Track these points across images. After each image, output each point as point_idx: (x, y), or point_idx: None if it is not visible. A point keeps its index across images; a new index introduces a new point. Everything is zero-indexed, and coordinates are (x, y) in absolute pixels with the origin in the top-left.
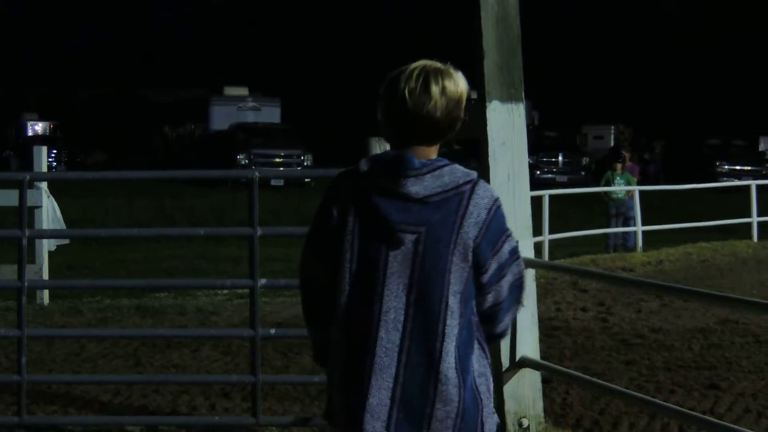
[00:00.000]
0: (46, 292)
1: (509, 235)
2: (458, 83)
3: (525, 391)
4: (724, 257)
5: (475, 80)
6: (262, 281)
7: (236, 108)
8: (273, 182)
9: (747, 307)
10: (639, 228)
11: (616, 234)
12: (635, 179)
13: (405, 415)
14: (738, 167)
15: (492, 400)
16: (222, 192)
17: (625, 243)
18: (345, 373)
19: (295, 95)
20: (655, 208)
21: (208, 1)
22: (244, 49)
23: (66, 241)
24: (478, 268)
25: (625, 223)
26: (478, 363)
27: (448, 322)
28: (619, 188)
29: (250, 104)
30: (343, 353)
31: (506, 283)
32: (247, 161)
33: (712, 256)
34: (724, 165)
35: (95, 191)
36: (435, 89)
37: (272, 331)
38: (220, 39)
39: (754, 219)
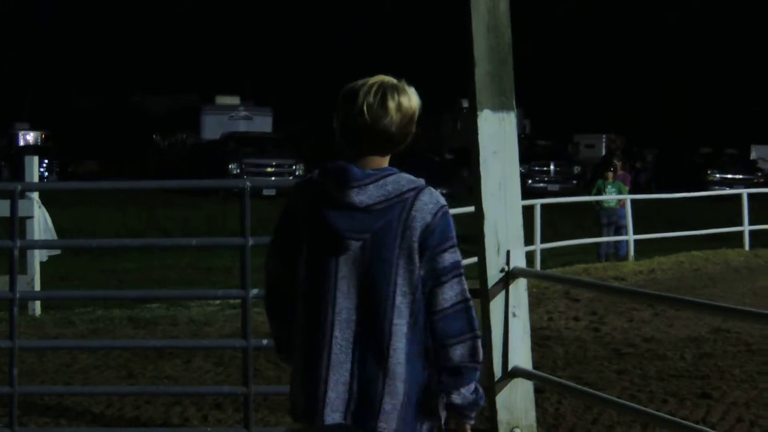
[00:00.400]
0: (37, 303)
1: (453, 245)
2: (412, 100)
3: (517, 401)
4: (716, 266)
5: (467, 89)
6: (254, 291)
7: (228, 117)
8: (265, 192)
9: (739, 315)
10: (631, 237)
11: (608, 243)
12: (627, 188)
13: (360, 407)
14: (729, 176)
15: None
16: (214, 201)
17: (617, 252)
18: (305, 369)
19: (287, 104)
20: (646, 216)
21: (200, 10)
22: (236, 57)
23: (57, 252)
24: (420, 265)
25: (617, 232)
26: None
27: (395, 321)
28: (610, 197)
29: (242, 113)
30: (303, 351)
31: (447, 295)
32: (238, 171)
33: (704, 264)
34: (716, 174)
35: (87, 201)
36: (392, 105)
37: (264, 341)
38: (212, 47)
39: (746, 227)
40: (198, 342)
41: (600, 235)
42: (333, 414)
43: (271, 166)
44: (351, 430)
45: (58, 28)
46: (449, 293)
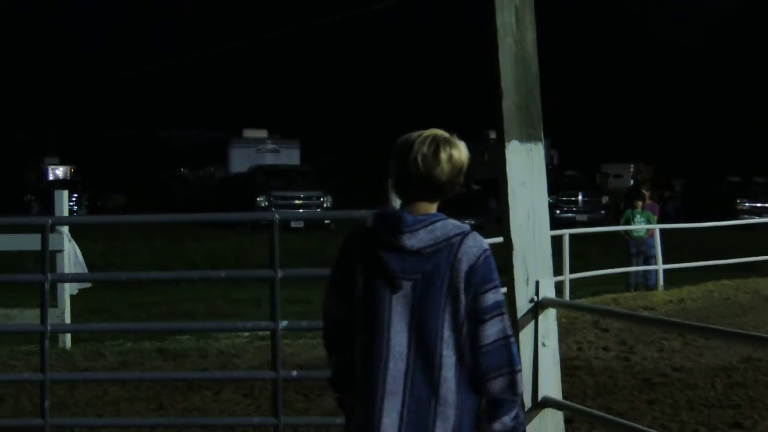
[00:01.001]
0: (68, 336)
1: (496, 286)
2: (462, 153)
3: None
4: (746, 295)
5: (494, 120)
6: (284, 323)
7: (255, 150)
8: (293, 224)
9: None
10: (660, 266)
11: (637, 273)
12: (655, 218)
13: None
14: (759, 204)
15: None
16: (242, 234)
17: (646, 282)
18: (362, 397)
19: (315, 137)
20: (675, 246)
21: (228, 45)
22: (263, 91)
23: (88, 285)
24: (464, 303)
25: (646, 262)
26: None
27: (444, 353)
28: (639, 227)
29: (269, 146)
30: (361, 382)
31: (489, 332)
32: (266, 203)
33: (734, 293)
34: (745, 202)
35: (116, 235)
36: (443, 156)
37: (294, 373)
38: (239, 81)
39: None
40: (227, 374)
41: (629, 265)
42: None
43: (299, 199)
44: None
45: (87, 62)
46: (491, 330)
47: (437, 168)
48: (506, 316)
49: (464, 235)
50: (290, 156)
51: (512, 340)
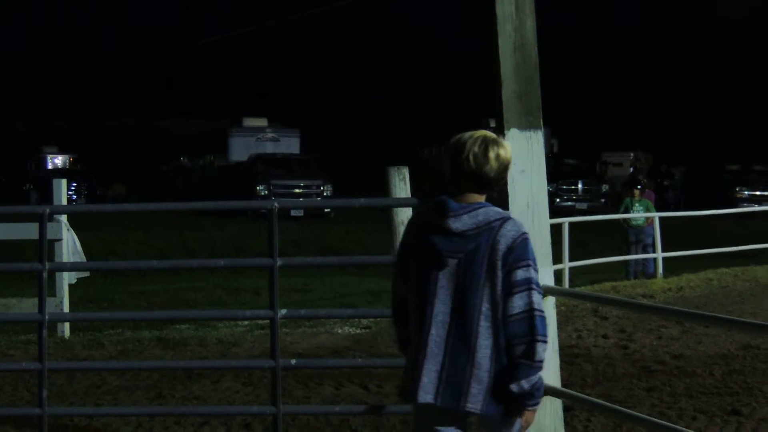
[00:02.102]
0: (66, 325)
1: (528, 265)
2: (507, 152)
3: (546, 420)
4: (745, 283)
5: (494, 108)
6: (283, 312)
7: (255, 139)
8: (293, 213)
9: None
10: (659, 254)
11: (636, 261)
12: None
13: (449, 391)
14: (758, 192)
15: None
16: (242, 223)
17: (645, 270)
18: (412, 359)
19: (315, 126)
20: (675, 234)
21: (226, 33)
22: (263, 79)
23: (86, 274)
24: (501, 279)
25: (645, 250)
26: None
27: (481, 323)
28: (638, 215)
29: (269, 135)
30: (412, 346)
31: (515, 304)
32: (266, 192)
33: (732, 281)
34: (744, 191)
35: (115, 224)
36: (492, 155)
37: (293, 361)
38: (239, 70)
39: None
40: (227, 362)
41: (628, 253)
42: (425, 395)
43: (299, 187)
44: (437, 409)
45: (87, 51)
46: (518, 302)
47: (486, 165)
48: (535, 292)
49: (504, 220)
50: (290, 145)
51: (537, 312)
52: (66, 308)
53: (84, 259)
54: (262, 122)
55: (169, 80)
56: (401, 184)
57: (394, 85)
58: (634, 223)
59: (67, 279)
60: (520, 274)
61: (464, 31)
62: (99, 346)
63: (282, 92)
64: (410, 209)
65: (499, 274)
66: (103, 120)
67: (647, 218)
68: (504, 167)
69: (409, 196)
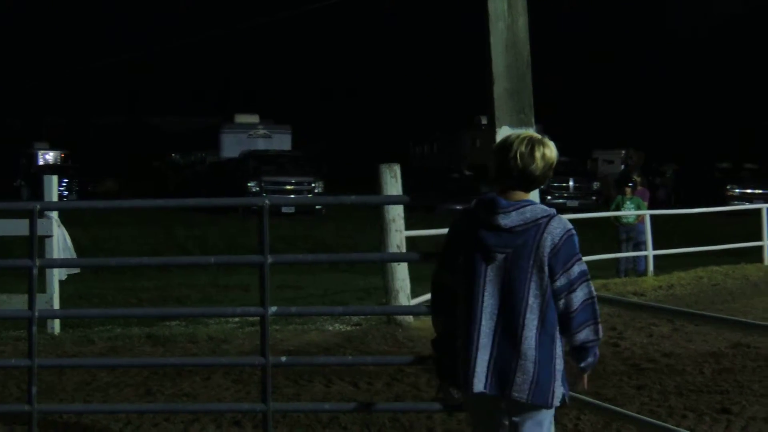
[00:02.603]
0: (56, 322)
1: (579, 259)
2: (553, 151)
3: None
4: (736, 281)
5: (486, 106)
6: (273, 309)
7: (247, 135)
8: (284, 209)
9: (759, 330)
10: (650, 252)
11: (627, 258)
12: (646, 204)
13: (497, 380)
14: (749, 191)
15: (561, 376)
16: (233, 220)
17: (636, 267)
18: (464, 350)
19: (306, 122)
20: (665, 232)
21: (219, 30)
22: (255, 76)
23: (77, 271)
24: (551, 277)
25: (636, 248)
26: (558, 348)
27: (528, 315)
28: (629, 213)
29: (261, 132)
30: (463, 337)
31: (578, 297)
32: (257, 189)
33: (723, 279)
34: (735, 188)
35: (106, 220)
36: (538, 154)
37: (283, 358)
38: (232, 67)
39: (766, 242)
40: (217, 359)
41: (619, 251)
42: (478, 384)
43: (291, 184)
44: (489, 398)
45: (79, 49)
46: (580, 294)
47: (533, 164)
48: (590, 281)
49: (550, 217)
50: (282, 141)
51: (596, 299)
52: (56, 305)
53: (74, 256)
54: (253, 119)
55: (161, 77)
56: (392, 182)
57: (386, 82)
58: (625, 220)
59: (57, 275)
60: (576, 269)
61: (457, 28)
62: (89, 342)
63: (274, 89)
64: (401, 206)
65: (546, 269)
66: (96, 116)
67: (638, 216)
68: (549, 166)
69: (401, 193)
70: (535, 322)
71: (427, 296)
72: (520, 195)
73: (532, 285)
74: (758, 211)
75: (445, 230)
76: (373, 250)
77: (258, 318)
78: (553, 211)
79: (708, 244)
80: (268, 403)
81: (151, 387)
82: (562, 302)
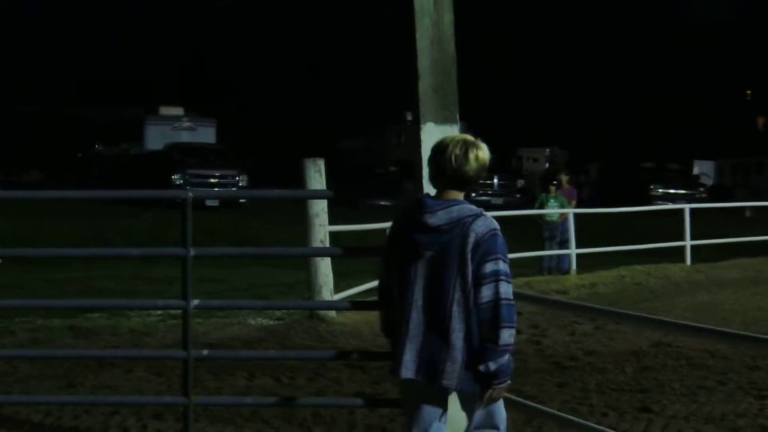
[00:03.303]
0: None
1: (496, 258)
2: (486, 153)
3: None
4: (658, 280)
5: (411, 102)
6: (195, 302)
7: (171, 128)
8: (208, 203)
9: (680, 330)
10: (573, 251)
11: (550, 257)
12: (574, 202)
13: (427, 368)
14: (672, 190)
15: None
16: (157, 212)
17: (559, 265)
18: (397, 340)
19: (231, 115)
20: (589, 230)
21: (146, 19)
22: (180, 68)
23: None
24: (467, 270)
25: (560, 246)
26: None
27: (454, 308)
28: (553, 211)
29: (186, 124)
30: (397, 327)
31: (483, 295)
32: (181, 181)
33: (645, 279)
34: (659, 188)
35: (29, 211)
36: (471, 156)
37: (205, 352)
38: (156, 58)
39: (688, 242)
40: (139, 352)
41: (542, 249)
42: (407, 372)
43: (215, 177)
44: (418, 384)
45: (2, 37)
46: (486, 292)
47: (466, 165)
48: (503, 282)
49: (476, 216)
50: (206, 134)
51: (504, 301)
52: None
53: None
54: (178, 111)
55: (85, 66)
56: (317, 176)
57: (312, 76)
58: (548, 218)
59: None
60: (489, 267)
61: (384, 23)
62: (10, 333)
63: (198, 81)
64: (325, 201)
65: (470, 264)
66: (18, 105)
67: (562, 214)
68: (482, 167)
69: (325, 188)
70: (462, 315)
71: (350, 291)
72: (455, 194)
73: (458, 280)
74: (681, 211)
75: (368, 225)
76: (297, 245)
77: (180, 311)
78: (479, 210)
79: (631, 244)
80: (189, 397)
81: (72, 379)
82: (475, 294)
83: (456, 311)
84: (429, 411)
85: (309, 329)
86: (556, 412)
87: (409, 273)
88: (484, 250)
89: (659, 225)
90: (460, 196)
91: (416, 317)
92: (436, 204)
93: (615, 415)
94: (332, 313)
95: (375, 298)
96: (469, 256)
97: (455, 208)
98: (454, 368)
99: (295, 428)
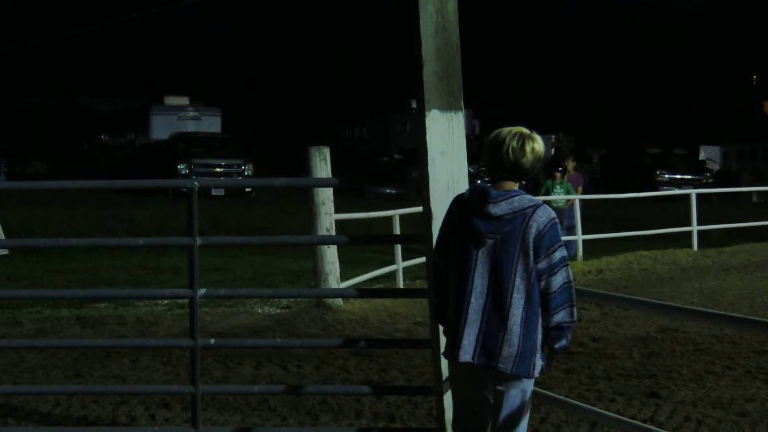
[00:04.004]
0: None
1: (561, 246)
2: (541, 145)
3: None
4: (665, 266)
5: (415, 89)
6: (202, 291)
7: (177, 117)
8: (213, 192)
9: (687, 315)
10: (579, 237)
11: None
12: (580, 188)
13: (484, 352)
14: (678, 176)
15: (541, 350)
16: (163, 202)
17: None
18: (453, 324)
19: (236, 105)
20: (595, 217)
21: (150, 10)
22: (185, 58)
23: (5, 252)
24: (535, 260)
25: (566, 233)
26: (540, 325)
27: (514, 295)
28: (559, 197)
29: (191, 114)
30: (452, 311)
31: (557, 280)
32: (187, 171)
33: (652, 264)
34: (665, 174)
35: (35, 201)
36: (528, 149)
37: (212, 341)
38: (161, 48)
39: (694, 228)
40: (146, 341)
41: None
42: (465, 355)
43: (220, 167)
44: (475, 367)
45: (5, 27)
46: (559, 278)
47: (523, 158)
48: (569, 267)
49: (536, 207)
50: (211, 124)
51: (573, 283)
52: None
53: (3, 237)
54: (183, 101)
55: (90, 57)
56: (322, 164)
57: (316, 64)
58: (554, 205)
59: None
60: (558, 255)
61: (388, 10)
62: (17, 324)
63: (204, 71)
64: (330, 189)
65: (531, 254)
66: (23, 96)
67: (568, 200)
68: (538, 159)
69: (330, 176)
70: (522, 301)
71: (357, 279)
72: (510, 185)
73: (519, 267)
74: (687, 197)
75: (374, 213)
76: (303, 233)
77: (187, 300)
78: (538, 200)
79: (637, 229)
80: (197, 386)
81: (80, 369)
82: (542, 283)
83: (516, 298)
84: (481, 395)
85: (316, 317)
86: (564, 398)
87: (469, 260)
88: (550, 239)
89: (666, 211)
90: (516, 186)
91: (475, 303)
92: (498, 194)
93: (622, 400)
94: (339, 301)
95: (381, 286)
96: (532, 245)
97: (516, 198)
98: (510, 352)
99: (303, 416)
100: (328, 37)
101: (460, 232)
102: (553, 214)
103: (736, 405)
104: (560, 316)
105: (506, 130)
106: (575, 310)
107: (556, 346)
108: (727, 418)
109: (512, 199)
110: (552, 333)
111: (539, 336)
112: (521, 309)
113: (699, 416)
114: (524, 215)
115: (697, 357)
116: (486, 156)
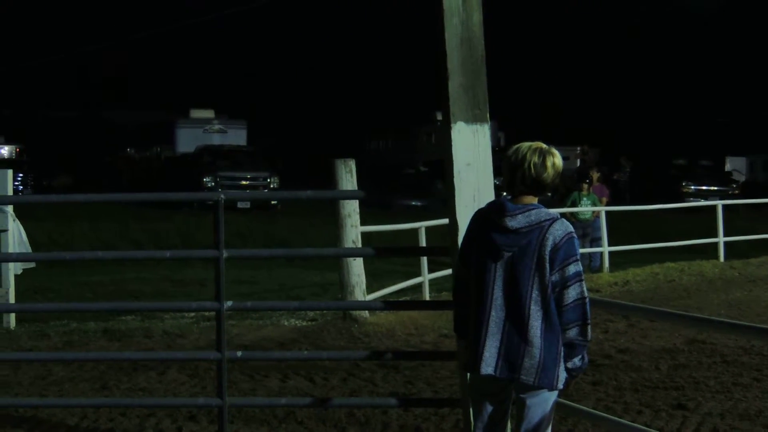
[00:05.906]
0: (12, 316)
1: (576, 260)
2: (560, 159)
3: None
4: (691, 277)
5: (440, 101)
6: (228, 304)
7: (202, 130)
8: (239, 205)
9: (714, 327)
10: (605, 249)
11: (582, 255)
12: (605, 200)
13: (506, 365)
14: (704, 187)
15: (563, 362)
16: (188, 215)
17: (591, 264)
18: (473, 336)
19: (262, 118)
20: (621, 228)
21: (174, 24)
22: (211, 71)
23: (32, 265)
24: (549, 272)
25: (592, 244)
26: (559, 337)
27: (532, 307)
28: (585, 209)
29: (216, 127)
30: (473, 324)
31: (569, 295)
32: (213, 184)
33: (678, 276)
34: (691, 185)
35: (61, 214)
36: (549, 164)
37: (239, 353)
38: (187, 61)
39: (721, 239)
40: (172, 354)
41: None
42: (486, 368)
43: (246, 179)
44: (497, 380)
45: (32, 42)
46: (572, 293)
47: (544, 173)
48: (584, 282)
49: (553, 220)
50: (237, 136)
51: (587, 300)
52: (12, 299)
53: (30, 250)
54: (209, 114)
55: (116, 71)
56: (348, 177)
57: (341, 77)
58: (581, 217)
59: (12, 270)
60: (572, 269)
61: (412, 23)
62: (45, 337)
63: (229, 84)
64: (356, 201)
65: (547, 266)
66: (50, 110)
67: (594, 212)
68: (557, 173)
69: (356, 188)
70: (540, 313)
71: (383, 292)
72: (530, 199)
73: (536, 280)
74: (713, 208)
75: (400, 225)
76: (329, 246)
77: (213, 313)
78: (556, 214)
79: (663, 241)
80: (223, 398)
81: (106, 381)
82: (556, 296)
83: (534, 310)
84: (501, 407)
85: (342, 330)
86: (591, 410)
87: (488, 273)
88: (565, 252)
89: (692, 222)
90: (535, 200)
91: (495, 315)
92: (515, 208)
93: (650, 412)
94: (365, 314)
95: (407, 298)
96: (547, 258)
97: (533, 212)
98: (532, 364)
99: (330, 429)
100: (354, 49)
101: (479, 246)
102: (570, 228)
103: (763, 417)
104: (572, 333)
105: (525, 145)
106: (589, 329)
107: (569, 365)
108: (755, 430)
109: (529, 212)
110: (565, 350)
111: (561, 348)
112: (540, 321)
113: (726, 428)
114: (541, 228)
115: (724, 369)
116: (506, 172)
